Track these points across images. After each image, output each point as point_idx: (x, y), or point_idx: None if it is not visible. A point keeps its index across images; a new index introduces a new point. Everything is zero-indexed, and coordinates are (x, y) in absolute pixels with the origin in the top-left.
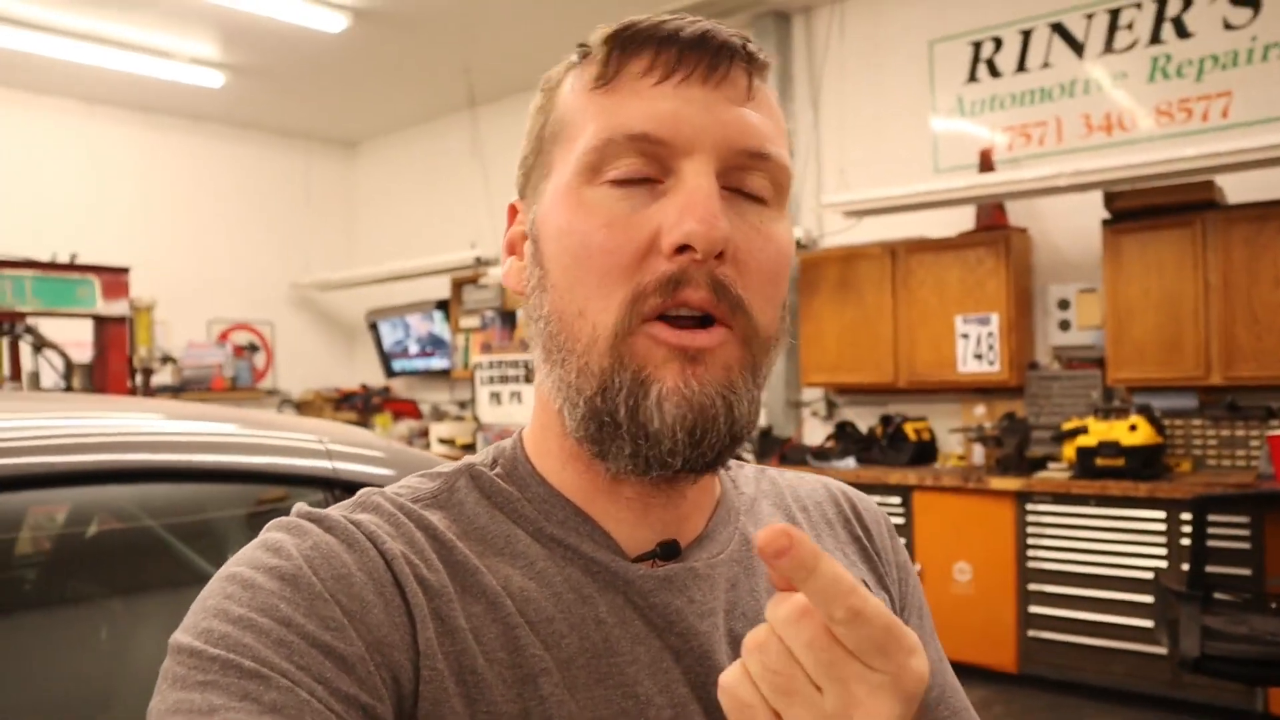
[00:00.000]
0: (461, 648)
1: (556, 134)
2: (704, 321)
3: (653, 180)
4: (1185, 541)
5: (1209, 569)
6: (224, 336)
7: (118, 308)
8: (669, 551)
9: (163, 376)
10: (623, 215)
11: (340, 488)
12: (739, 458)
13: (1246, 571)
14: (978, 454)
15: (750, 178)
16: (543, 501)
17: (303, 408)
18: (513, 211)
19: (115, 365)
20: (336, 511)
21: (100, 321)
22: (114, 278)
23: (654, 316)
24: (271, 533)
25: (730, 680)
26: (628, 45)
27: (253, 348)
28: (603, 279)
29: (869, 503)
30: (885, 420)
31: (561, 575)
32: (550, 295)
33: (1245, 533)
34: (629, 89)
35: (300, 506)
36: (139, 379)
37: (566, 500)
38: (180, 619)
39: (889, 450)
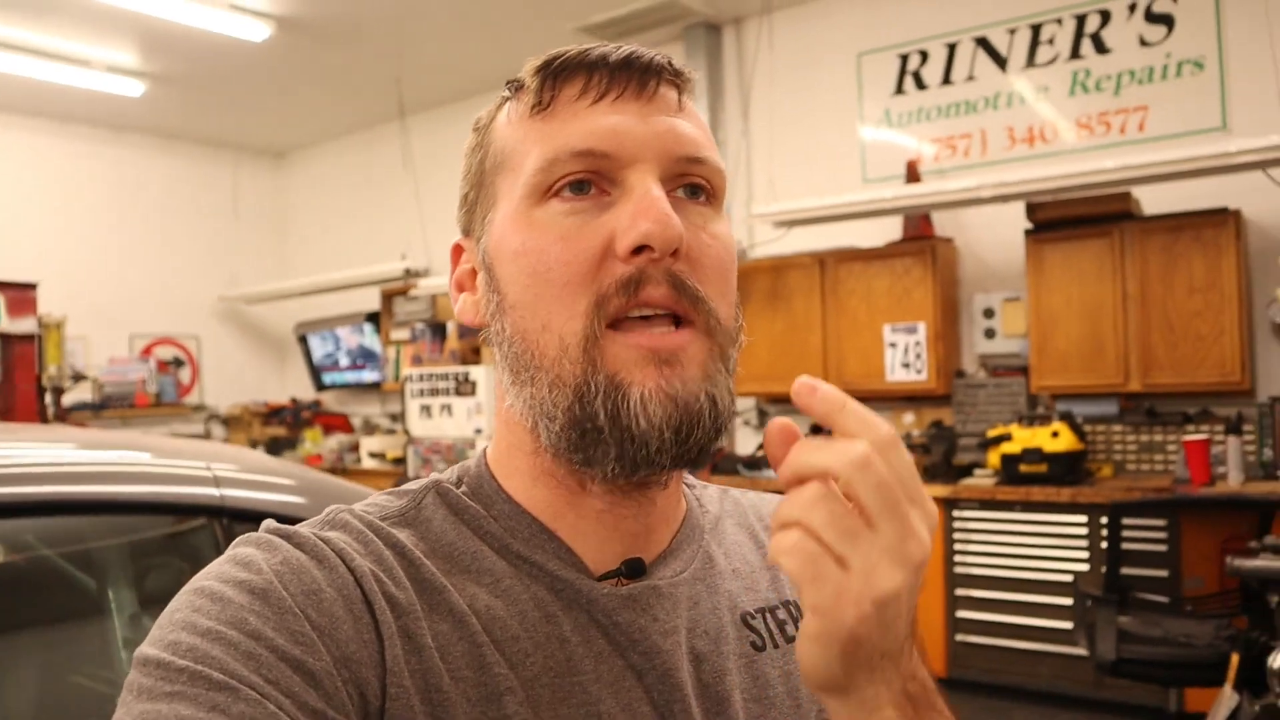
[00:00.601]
0: (428, 666)
1: (499, 165)
2: (670, 323)
3: (598, 194)
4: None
5: (1126, 572)
6: (147, 351)
7: (25, 325)
8: (634, 569)
9: (82, 393)
10: (575, 228)
11: (229, 516)
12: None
13: (1164, 574)
14: None
15: (690, 182)
16: (508, 519)
17: (230, 423)
18: (457, 251)
19: (23, 385)
20: (306, 528)
21: (6, 340)
22: (20, 294)
23: (619, 318)
24: (241, 548)
25: (789, 542)
26: (560, 73)
27: (178, 363)
28: (563, 290)
29: None
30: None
31: (527, 593)
32: (511, 316)
33: (1162, 535)
34: (567, 112)
35: (269, 523)
36: (49, 398)
37: (532, 518)
38: (62, 653)
39: None
